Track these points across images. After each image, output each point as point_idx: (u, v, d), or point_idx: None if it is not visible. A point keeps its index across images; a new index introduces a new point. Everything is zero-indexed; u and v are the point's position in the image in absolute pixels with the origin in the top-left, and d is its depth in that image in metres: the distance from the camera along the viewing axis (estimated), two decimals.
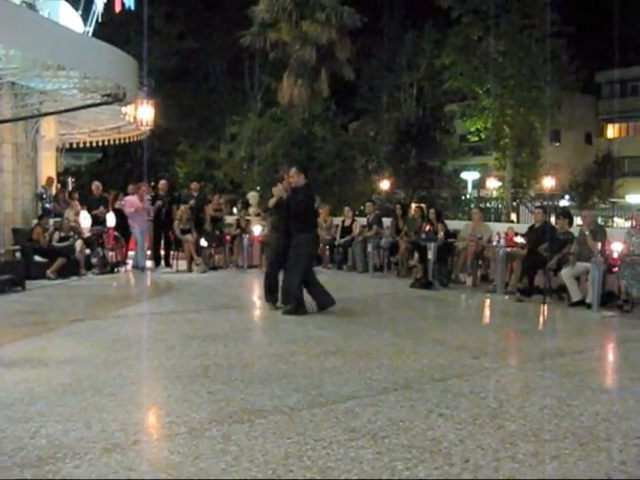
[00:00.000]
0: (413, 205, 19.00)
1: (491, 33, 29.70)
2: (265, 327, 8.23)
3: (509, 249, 11.49)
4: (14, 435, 4.36)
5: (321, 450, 4.13)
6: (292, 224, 9.06)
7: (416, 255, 12.89)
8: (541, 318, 9.68)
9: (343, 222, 15.39)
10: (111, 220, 14.43)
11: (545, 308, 10.01)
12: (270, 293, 9.47)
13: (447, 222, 13.42)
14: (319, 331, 7.97)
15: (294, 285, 8.99)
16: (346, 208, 16.06)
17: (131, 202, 14.41)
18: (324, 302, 9.20)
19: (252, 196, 17.84)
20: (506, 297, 10.94)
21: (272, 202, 9.39)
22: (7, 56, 10.95)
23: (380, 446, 4.20)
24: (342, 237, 15.10)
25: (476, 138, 34.48)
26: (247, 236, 14.82)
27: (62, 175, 18.54)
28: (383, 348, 7.08)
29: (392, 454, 4.07)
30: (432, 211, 13.30)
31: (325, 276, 14.03)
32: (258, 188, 26.71)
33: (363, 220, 15.58)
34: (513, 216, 31.61)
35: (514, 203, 32.86)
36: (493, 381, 5.87)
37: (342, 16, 28.72)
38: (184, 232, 14.50)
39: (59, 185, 16.68)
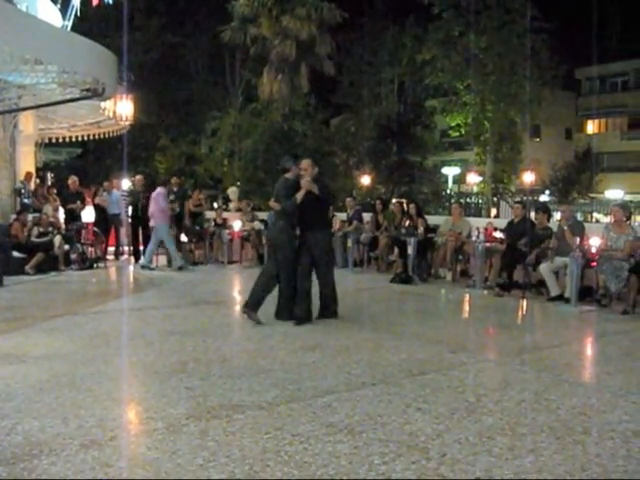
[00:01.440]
0: (393, 200, 19.03)
1: (472, 29, 29.78)
2: (244, 323, 8.19)
3: (488, 244, 11.54)
4: None
5: (298, 445, 4.14)
6: (307, 221, 8.20)
7: (396, 250, 12.92)
8: (520, 313, 9.75)
9: None
10: (90, 215, 14.33)
11: (524, 303, 10.08)
12: (287, 306, 8.27)
13: (427, 217, 13.45)
14: (298, 327, 7.96)
15: (334, 289, 8.50)
16: None
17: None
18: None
19: (232, 191, 17.84)
20: (485, 292, 11.00)
21: (301, 196, 8.08)
22: None
23: (357, 441, 4.22)
24: None
25: (457, 133, 34.58)
26: (227, 231, 14.78)
27: (41, 170, 18.40)
28: (362, 343, 7.09)
29: (369, 449, 4.10)
30: (412, 206, 13.32)
31: None
32: (238, 183, 26.69)
33: (343, 215, 15.57)
34: (493, 211, 31.78)
35: (494, 198, 33.03)
36: (471, 375, 5.90)
37: (322, 11, 28.72)
38: None
39: (38, 180, 16.55)
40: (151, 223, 13.66)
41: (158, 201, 13.42)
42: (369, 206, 19.00)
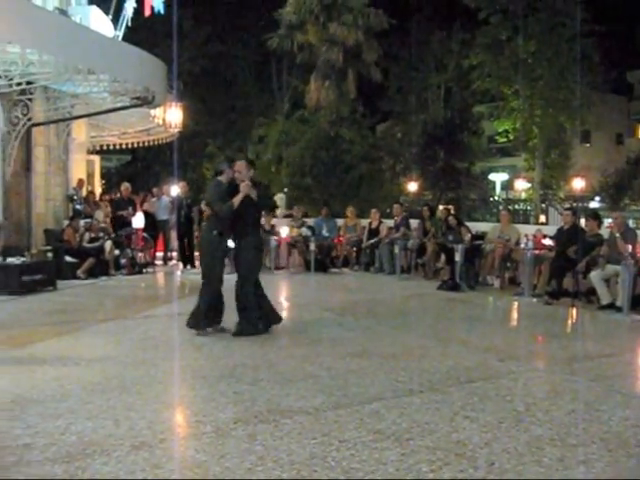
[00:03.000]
0: (441, 207, 18.94)
1: (520, 33, 29.49)
2: (291, 328, 8.25)
3: (537, 251, 11.40)
4: (45, 431, 4.45)
5: (345, 451, 4.14)
6: (240, 226, 7.69)
7: (443, 257, 12.85)
8: (569, 321, 9.60)
9: (370, 224, 15.38)
10: (139, 221, 14.58)
11: (574, 311, 9.92)
12: (201, 315, 7.81)
13: (474, 224, 13.35)
14: (345, 332, 8.00)
15: (250, 297, 7.79)
16: (373, 210, 16.06)
17: None
18: (273, 319, 8.00)
19: (279, 198, 17.93)
20: (534, 300, 10.85)
21: (238, 200, 7.53)
22: (40, 61, 11.12)
23: (405, 448, 4.21)
24: (369, 239, 15.08)
25: (504, 139, 34.26)
26: (275, 238, 14.87)
27: (93, 177, 18.76)
28: (409, 350, 7.07)
29: (417, 456, 4.07)
30: (451, 218, 13.21)
31: (352, 278, 14.12)
32: (285, 190, 26.82)
33: (390, 222, 15.56)
34: (542, 218, 31.35)
35: (543, 205, 32.59)
36: (520, 384, 5.83)
37: (369, 17, 28.70)
38: None
39: (89, 187, 16.90)
40: None
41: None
42: (417, 213, 18.95)
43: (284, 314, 9.73)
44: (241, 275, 7.81)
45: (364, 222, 15.90)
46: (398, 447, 4.22)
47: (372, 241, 14.97)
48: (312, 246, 14.59)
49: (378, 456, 4.07)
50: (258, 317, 7.77)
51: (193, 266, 14.87)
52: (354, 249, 15.43)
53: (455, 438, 4.39)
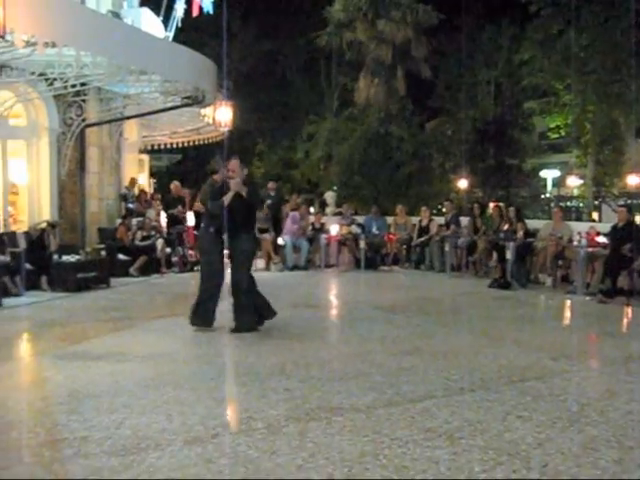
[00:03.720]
0: (491, 204, 18.72)
1: (572, 26, 28.92)
2: (341, 326, 8.28)
3: (591, 249, 11.20)
4: (101, 425, 4.55)
5: (397, 449, 4.13)
6: (234, 224, 7.70)
7: (494, 255, 12.71)
8: (625, 320, 9.41)
9: (420, 221, 15.30)
10: (190, 219, 14.76)
11: (629, 310, 9.71)
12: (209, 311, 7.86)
13: (526, 221, 13.17)
14: (396, 330, 7.98)
15: (250, 297, 7.85)
16: (423, 207, 15.98)
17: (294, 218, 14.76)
18: (267, 314, 7.97)
19: (330, 196, 17.95)
20: (587, 298, 10.65)
21: (229, 198, 7.64)
22: (94, 63, 11.33)
23: (456, 447, 4.18)
24: (419, 236, 15.01)
25: (556, 135, 33.67)
26: (325, 235, 14.91)
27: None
28: (460, 348, 7.03)
29: (469, 455, 4.04)
30: (511, 210, 13.10)
31: (402, 276, 14.07)
32: (335, 188, 26.83)
33: (440, 219, 15.46)
34: (595, 215, 30.73)
35: (596, 202, 31.96)
36: (574, 384, 5.75)
37: (418, 14, 28.50)
38: (262, 231, 14.67)
39: (141, 186, 17.17)
40: None
41: None
42: (467, 210, 18.80)
43: (334, 312, 9.78)
44: (234, 271, 7.81)
45: (414, 220, 15.82)
46: (450, 446, 4.19)
47: (422, 239, 14.89)
48: (362, 244, 14.58)
49: (430, 454, 4.05)
50: (253, 312, 7.79)
51: None
52: (404, 247, 15.37)
53: (508, 438, 4.35)
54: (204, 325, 7.74)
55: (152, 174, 24.03)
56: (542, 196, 34.74)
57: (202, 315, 7.75)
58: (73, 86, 12.23)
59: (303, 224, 14.99)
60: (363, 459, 3.98)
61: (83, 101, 13.76)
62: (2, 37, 7.41)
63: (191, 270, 14.11)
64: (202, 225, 8.29)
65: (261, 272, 14.14)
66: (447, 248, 13.86)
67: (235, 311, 7.78)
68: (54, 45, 9.65)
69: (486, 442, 4.26)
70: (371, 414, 4.80)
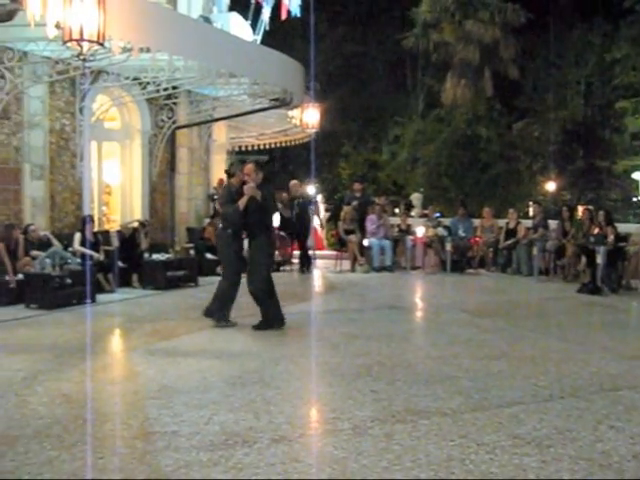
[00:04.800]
0: (580, 207, 18.22)
1: None
2: (428, 328, 8.21)
3: None
4: (190, 420, 4.65)
5: (484, 455, 4.06)
6: (251, 226, 7.99)
7: (584, 259, 12.35)
8: None
9: (507, 224, 15.02)
10: (275, 220, 14.90)
11: None
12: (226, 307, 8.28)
13: (617, 225, 12.74)
14: (483, 334, 7.86)
15: (267, 295, 8.06)
16: (510, 210, 15.70)
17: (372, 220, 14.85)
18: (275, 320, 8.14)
19: (416, 197, 17.82)
20: None
21: (243, 202, 7.85)
22: (186, 66, 11.63)
23: (545, 455, 4.07)
24: (506, 239, 14.74)
25: None
26: (411, 237, 14.82)
27: (232, 177, 19.35)
28: (548, 354, 6.86)
29: (558, 464, 3.93)
30: (601, 213, 12.68)
31: (488, 279, 13.84)
32: (421, 190, 26.63)
33: (528, 222, 15.14)
34: None
35: None
36: None
37: (506, 13, 28.00)
38: (348, 232, 14.74)
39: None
40: None
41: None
42: (555, 213, 18.34)
43: (419, 314, 9.69)
44: (250, 273, 8.07)
45: (501, 222, 15.55)
46: (538, 454, 4.09)
47: (509, 242, 14.61)
48: (448, 246, 14.43)
49: (518, 462, 3.97)
50: (273, 312, 8.01)
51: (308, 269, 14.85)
52: (491, 250, 15.12)
53: (600, 448, 4.20)
54: (218, 320, 8.11)
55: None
56: (634, 199, 33.49)
57: (217, 311, 8.16)
58: (165, 89, 12.58)
59: (382, 224, 14.91)
60: (449, 463, 3.93)
61: (174, 104, 14.14)
62: (101, 44, 7.66)
63: (276, 270, 14.26)
64: (219, 227, 8.54)
65: (347, 273, 14.24)
66: (535, 251, 13.55)
67: (260, 310, 8.06)
68: (148, 50, 9.96)
69: (577, 452, 4.13)
70: (457, 418, 4.74)
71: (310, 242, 16.52)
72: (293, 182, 15.70)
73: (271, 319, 8.00)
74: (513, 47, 28.88)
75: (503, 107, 28.30)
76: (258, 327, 7.95)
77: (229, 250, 8.17)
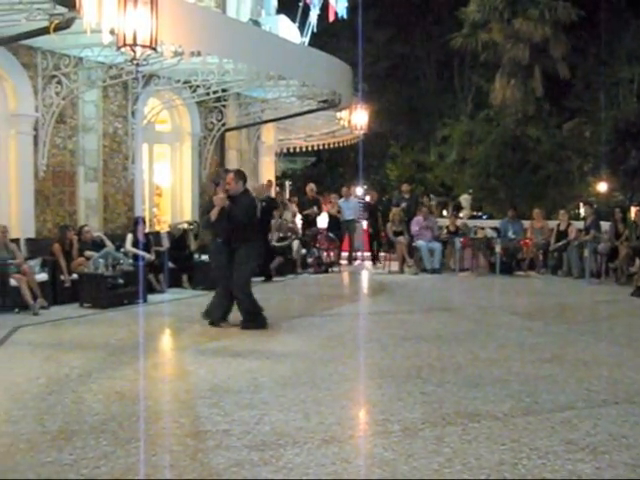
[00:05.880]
0: (633, 208, 17.86)
1: None
2: (477, 331, 8.14)
3: None
4: (241, 420, 4.70)
5: (537, 460, 4.02)
6: (234, 235, 8.10)
7: (637, 261, 12.13)
8: None
9: (558, 226, 14.81)
10: (324, 221, 15.00)
11: None
12: (216, 309, 8.44)
13: None
14: (533, 337, 7.78)
15: (247, 296, 8.21)
16: (561, 211, 15.50)
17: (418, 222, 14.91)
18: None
19: (464, 199, 17.68)
20: None
21: (214, 214, 8.02)
22: (235, 69, 11.74)
23: (600, 462, 4.01)
24: (557, 241, 14.53)
25: None
26: (460, 239, 14.73)
27: (280, 178, 19.52)
28: (601, 358, 6.75)
29: (613, 471, 3.87)
30: None
31: (538, 281, 13.66)
32: (470, 191, 26.42)
33: (579, 224, 14.91)
34: None
35: None
36: None
37: (556, 11, 27.58)
38: (396, 234, 14.72)
39: (277, 188, 17.60)
40: None
41: None
42: (607, 214, 18.02)
43: (468, 316, 9.59)
44: (233, 282, 8.13)
45: (551, 224, 15.34)
46: (593, 460, 4.03)
47: (560, 243, 14.40)
48: (497, 248, 14.29)
49: (571, 467, 3.92)
50: (257, 312, 8.19)
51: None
52: (541, 252, 14.93)
53: None
54: (211, 319, 8.28)
55: (287, 176, 24.56)
56: None
57: (211, 312, 8.34)
58: (215, 92, 12.73)
59: (427, 226, 14.83)
60: (501, 467, 3.91)
61: (223, 106, 14.28)
62: (154, 49, 7.80)
63: (325, 272, 14.33)
64: (212, 235, 8.73)
65: (395, 275, 14.22)
66: (586, 254, 13.34)
67: (241, 312, 8.24)
68: (199, 54, 10.08)
69: (633, 459, 4.05)
70: (508, 422, 4.70)
71: (358, 243, 16.62)
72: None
73: (257, 316, 8.15)
74: (564, 45, 28.40)
75: (553, 107, 27.90)
76: (246, 327, 8.06)
77: (221, 257, 8.27)
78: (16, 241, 10.07)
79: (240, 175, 8.33)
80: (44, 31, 8.08)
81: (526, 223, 15.70)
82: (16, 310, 9.04)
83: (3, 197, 10.79)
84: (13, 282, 9.13)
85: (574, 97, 34.59)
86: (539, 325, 8.72)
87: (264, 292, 11.60)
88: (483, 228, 15.52)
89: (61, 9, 7.74)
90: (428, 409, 4.96)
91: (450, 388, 5.51)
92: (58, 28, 7.92)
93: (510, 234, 14.94)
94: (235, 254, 8.11)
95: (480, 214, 26.96)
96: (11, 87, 10.67)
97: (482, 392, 5.39)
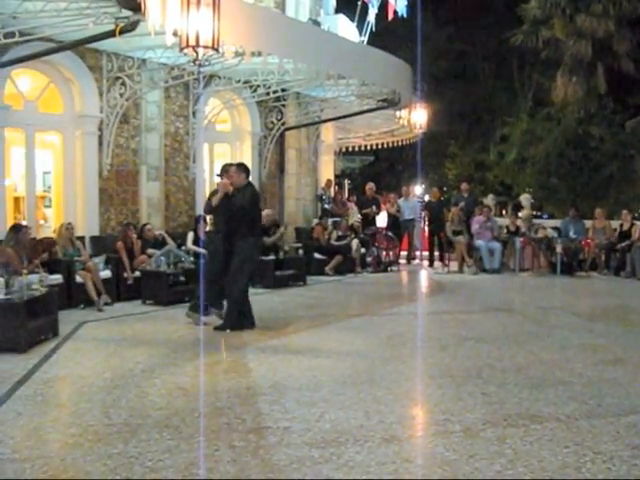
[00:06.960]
0: None
1: None
2: (537, 331, 8.03)
3: None
4: (302, 417, 4.74)
5: (601, 464, 3.95)
6: (233, 229, 8.08)
7: None
8: None
9: (621, 226, 14.51)
10: (383, 220, 14.98)
11: None
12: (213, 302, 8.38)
13: None
14: (596, 339, 7.64)
15: (234, 296, 8.05)
16: (624, 211, 15.14)
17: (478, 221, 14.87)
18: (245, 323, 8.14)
19: (525, 198, 17.38)
20: None
21: (216, 200, 8.11)
22: (295, 69, 11.83)
23: None
24: (620, 241, 14.23)
25: None
26: (520, 239, 14.55)
27: (339, 177, 19.57)
28: None
29: None
30: None
31: (600, 282, 13.39)
32: (530, 190, 26.01)
33: None
34: None
35: None
36: None
37: (621, 5, 26.92)
38: (456, 233, 14.62)
39: (337, 187, 17.66)
40: None
41: None
42: None
43: (529, 316, 9.47)
44: (229, 278, 8.04)
45: (614, 224, 15.02)
46: None
47: (623, 244, 14.09)
48: (558, 248, 14.06)
49: (638, 473, 3.83)
50: (237, 314, 8.02)
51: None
52: (603, 252, 14.62)
53: None
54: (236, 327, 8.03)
55: (346, 175, 24.59)
56: None
57: (197, 308, 8.22)
58: (274, 92, 12.83)
59: (489, 225, 14.68)
60: (564, 471, 3.86)
61: (283, 106, 14.39)
62: (216, 49, 7.91)
63: (384, 271, 14.33)
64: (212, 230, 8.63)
65: (454, 274, 14.13)
66: None
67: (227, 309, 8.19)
68: (259, 54, 10.19)
69: None
70: (571, 425, 4.63)
71: (417, 242, 16.56)
72: (433, 190, 16.02)
73: (233, 320, 8.03)
74: (628, 41, 27.74)
75: (616, 104, 27.26)
76: (221, 327, 8.01)
77: (220, 252, 8.26)
78: (81, 239, 10.38)
79: (243, 168, 8.39)
80: (110, 34, 8.28)
81: (588, 223, 15.42)
82: (81, 306, 9.30)
83: (69, 196, 11.13)
84: (78, 279, 9.39)
85: (638, 94, 33.71)
86: (601, 326, 8.56)
87: (323, 291, 11.73)
88: (544, 228, 15.25)
89: (127, 12, 7.93)
90: (489, 410, 4.93)
91: (511, 389, 5.46)
92: (123, 31, 8.10)
93: (571, 234, 14.69)
94: (233, 254, 8.06)
95: (540, 214, 26.51)
96: (77, 89, 10.99)
97: (544, 394, 5.33)
